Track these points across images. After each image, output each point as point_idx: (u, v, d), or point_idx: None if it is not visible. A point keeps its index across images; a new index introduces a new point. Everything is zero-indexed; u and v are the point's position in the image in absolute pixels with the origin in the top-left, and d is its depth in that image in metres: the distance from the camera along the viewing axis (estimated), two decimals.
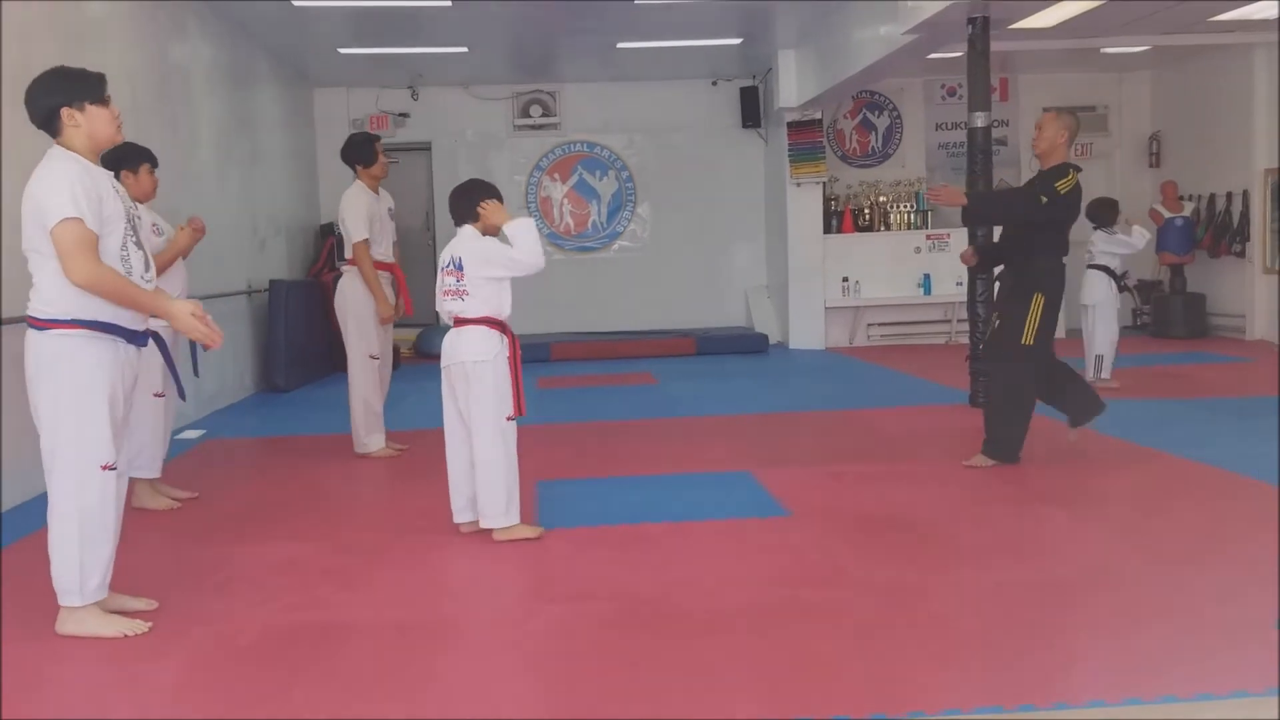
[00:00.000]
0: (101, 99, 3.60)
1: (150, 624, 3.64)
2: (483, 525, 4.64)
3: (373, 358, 6.52)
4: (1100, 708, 2.84)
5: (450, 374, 4.62)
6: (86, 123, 3.55)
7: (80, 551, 3.54)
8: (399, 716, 2.94)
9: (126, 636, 3.56)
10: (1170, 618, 3.52)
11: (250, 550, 4.63)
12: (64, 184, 3.43)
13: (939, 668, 3.17)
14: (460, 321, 4.57)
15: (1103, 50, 11.85)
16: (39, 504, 5.18)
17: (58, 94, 3.54)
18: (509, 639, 3.57)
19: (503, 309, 4.56)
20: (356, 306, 6.46)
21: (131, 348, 3.66)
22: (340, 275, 6.67)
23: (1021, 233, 5.82)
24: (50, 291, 3.49)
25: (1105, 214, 8.85)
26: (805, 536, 4.66)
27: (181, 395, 4.97)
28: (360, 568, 4.35)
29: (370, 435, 6.63)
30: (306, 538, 4.84)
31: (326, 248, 11.72)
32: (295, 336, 10.07)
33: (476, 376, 4.52)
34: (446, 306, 4.61)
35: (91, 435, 3.53)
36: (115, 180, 3.69)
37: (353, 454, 6.63)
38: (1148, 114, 13.79)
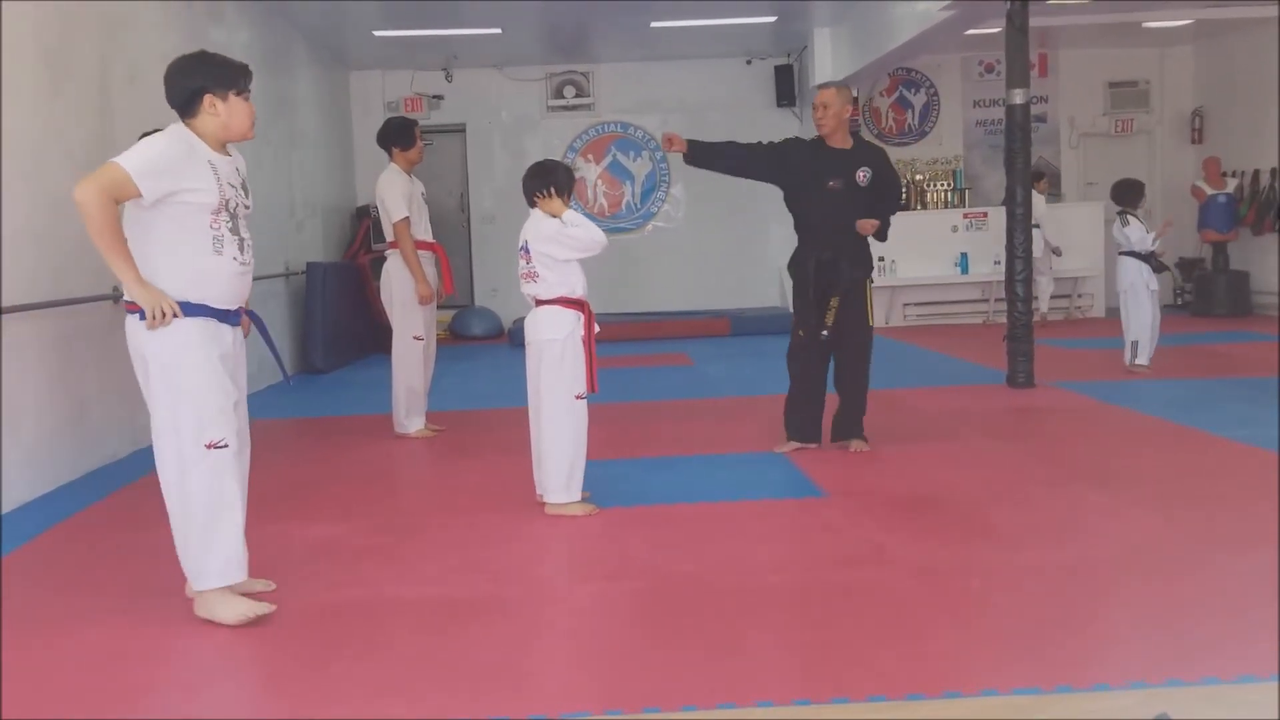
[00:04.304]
0: (244, 91, 3.59)
1: (274, 605, 3.56)
2: (544, 498, 4.76)
3: (417, 339, 6.57)
4: (1144, 689, 2.83)
5: (529, 352, 4.79)
6: (225, 112, 3.54)
7: (201, 533, 3.48)
8: (437, 693, 2.97)
9: (249, 619, 3.46)
10: (1208, 601, 3.49)
11: (291, 529, 4.68)
12: (143, 146, 3.44)
13: (976, 648, 3.17)
14: (538, 302, 4.73)
15: (1144, 24, 11.67)
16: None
17: (198, 77, 3.52)
18: (546, 618, 3.60)
19: (575, 288, 4.70)
20: (402, 288, 6.50)
21: (228, 328, 3.63)
22: (381, 258, 6.72)
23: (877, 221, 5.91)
24: (152, 277, 3.42)
25: (1130, 195, 8.63)
26: (840, 517, 4.65)
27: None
28: (399, 547, 4.40)
29: (410, 417, 6.67)
30: (346, 517, 4.89)
31: (363, 230, 11.79)
32: (332, 318, 10.14)
33: (547, 354, 4.68)
34: (524, 289, 4.77)
35: (192, 415, 3.46)
36: (239, 169, 3.63)
37: (391, 434, 6.68)
38: (1190, 89, 13.58)
